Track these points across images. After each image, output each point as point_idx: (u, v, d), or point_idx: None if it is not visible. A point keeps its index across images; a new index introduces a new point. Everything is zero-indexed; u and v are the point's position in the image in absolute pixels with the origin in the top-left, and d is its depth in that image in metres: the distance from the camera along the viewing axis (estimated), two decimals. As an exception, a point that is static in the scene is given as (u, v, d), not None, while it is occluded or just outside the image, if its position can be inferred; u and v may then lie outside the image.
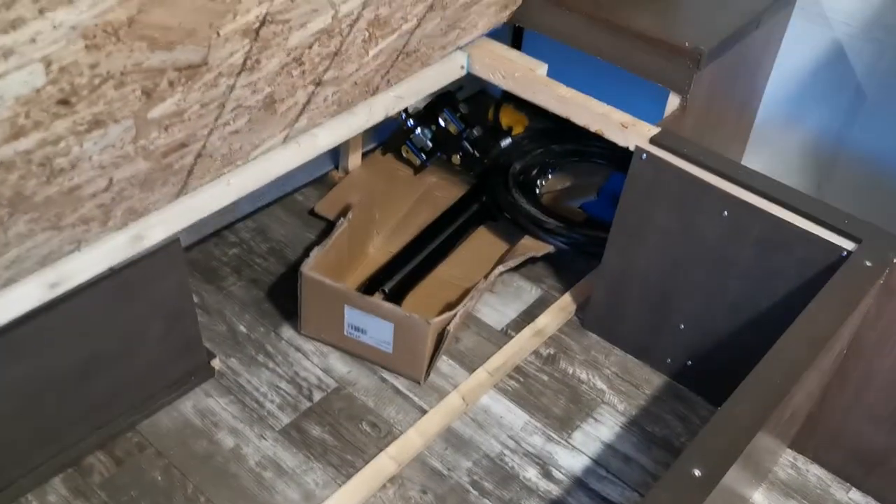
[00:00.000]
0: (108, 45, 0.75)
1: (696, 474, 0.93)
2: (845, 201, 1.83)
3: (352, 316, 1.54)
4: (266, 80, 1.06)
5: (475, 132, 1.96)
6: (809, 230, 1.30)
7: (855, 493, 1.45)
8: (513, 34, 2.05)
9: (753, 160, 1.99)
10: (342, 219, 1.68)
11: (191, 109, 0.98)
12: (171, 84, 0.88)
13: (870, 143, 1.82)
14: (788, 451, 1.51)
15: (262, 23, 0.92)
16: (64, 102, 0.78)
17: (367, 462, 1.43)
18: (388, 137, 2.02)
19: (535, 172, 1.95)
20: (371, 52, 1.27)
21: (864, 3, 1.69)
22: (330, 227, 1.85)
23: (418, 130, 1.95)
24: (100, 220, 1.10)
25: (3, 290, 1.07)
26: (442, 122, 1.95)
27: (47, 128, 0.80)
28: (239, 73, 0.99)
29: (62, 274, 1.13)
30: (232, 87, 1.00)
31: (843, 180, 1.88)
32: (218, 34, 0.86)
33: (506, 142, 2.01)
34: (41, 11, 0.66)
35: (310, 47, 1.08)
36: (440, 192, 1.96)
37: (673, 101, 1.57)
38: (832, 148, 1.87)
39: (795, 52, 1.82)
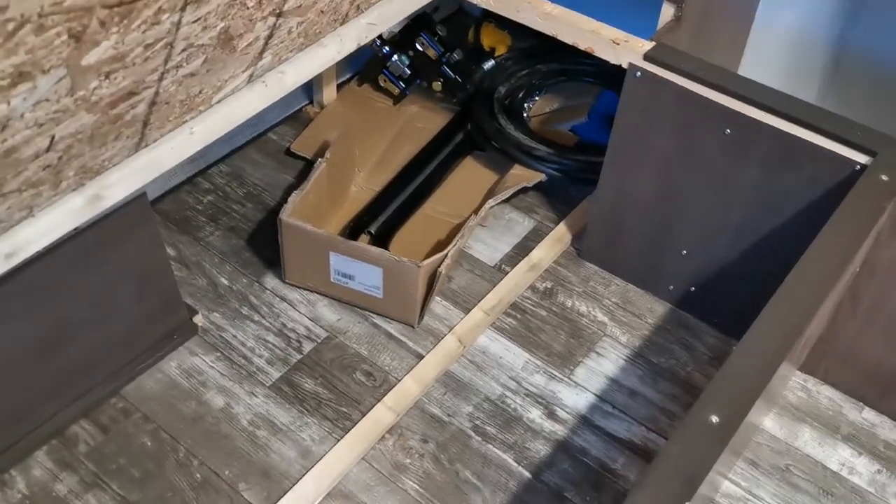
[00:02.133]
0: (17, -20, 0.64)
1: (714, 421, 0.87)
2: (851, 110, 1.75)
3: (338, 262, 1.46)
4: (217, 13, 0.95)
5: (455, 55, 1.84)
6: (820, 144, 1.21)
7: (869, 413, 1.41)
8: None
9: (751, 72, 1.88)
10: (320, 158, 1.58)
11: (133, 53, 0.87)
12: (102, 24, 0.77)
13: (875, 43, 1.71)
14: (798, 373, 1.45)
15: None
16: (-22, 56, 0.67)
17: (363, 414, 1.37)
18: (364, 67, 1.90)
19: (521, 95, 1.84)
20: (336, -24, 1.15)
21: None
22: (309, 166, 1.76)
23: (395, 57, 1.83)
24: (50, 183, 1.00)
25: (-48, 265, 0.98)
26: (419, 47, 1.82)
27: (-37, 86, 0.70)
28: (184, 7, 0.87)
29: (16, 243, 1.04)
30: (178, 24, 0.89)
31: (848, 87, 1.79)
32: (152, -40, 0.75)
33: (488, 64, 1.89)
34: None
35: (265, -27, 0.96)
36: (422, 122, 1.85)
37: (667, 11, 1.45)
38: (835, 52, 1.76)
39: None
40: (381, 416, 1.37)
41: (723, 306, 1.48)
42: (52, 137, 0.88)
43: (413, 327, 1.50)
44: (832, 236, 1.08)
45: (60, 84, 0.80)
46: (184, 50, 0.96)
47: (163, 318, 1.41)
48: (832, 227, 1.09)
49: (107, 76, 0.86)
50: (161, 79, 0.98)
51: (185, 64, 1.00)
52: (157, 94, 1.01)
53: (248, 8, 1.00)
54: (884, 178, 1.15)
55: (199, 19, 0.92)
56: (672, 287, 1.53)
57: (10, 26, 0.67)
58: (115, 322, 1.33)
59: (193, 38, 0.95)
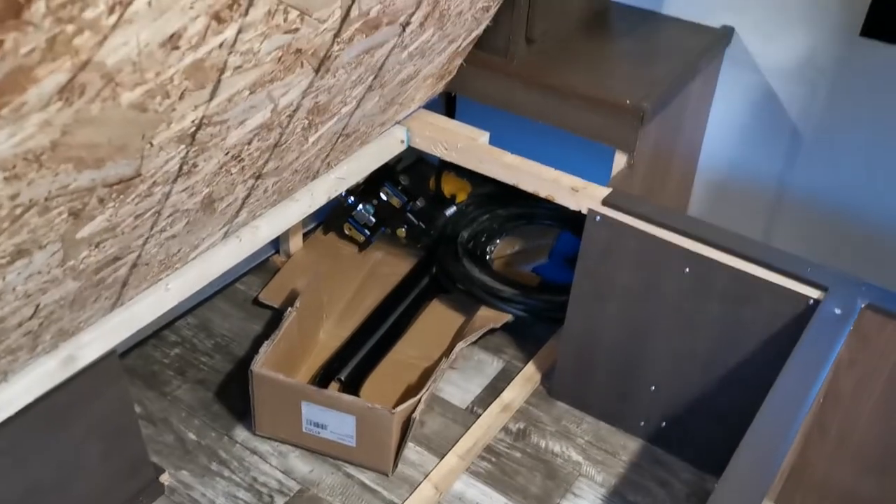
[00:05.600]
0: (30, 172, 0.67)
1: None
2: (795, 244, 1.85)
3: (310, 412, 1.45)
4: (204, 181, 0.99)
5: (418, 203, 1.91)
6: (774, 281, 1.27)
7: (846, 543, 1.41)
8: (446, 101, 2.03)
9: (700, 210, 1.99)
10: (290, 308, 1.59)
11: (124, 223, 0.89)
12: (101, 201, 0.80)
13: (812, 184, 1.83)
14: (774, 505, 1.46)
15: (199, 126, 0.85)
16: (-19, 239, 0.69)
17: (341, 572, 1.32)
18: (329, 216, 1.96)
19: (483, 239, 1.90)
20: (311, 139, 1.21)
21: (792, 46, 1.72)
22: (276, 315, 1.76)
23: (360, 207, 1.89)
24: (28, 348, 0.99)
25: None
26: (384, 197, 1.89)
27: (-37, 267, 0.71)
28: (175, 180, 0.91)
29: (-12, 410, 1.02)
30: (168, 195, 0.93)
31: (791, 223, 1.89)
32: (151, 144, 0.79)
33: (450, 210, 1.96)
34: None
35: (249, 143, 1.01)
36: (388, 267, 1.89)
37: (619, 160, 1.55)
38: (776, 191, 1.88)
39: (730, 99, 1.84)
40: (360, 573, 1.32)
41: (695, 441, 1.49)
42: (38, 305, 0.89)
43: (387, 475, 1.48)
44: (795, 371, 1.12)
45: (54, 257, 0.82)
46: (170, 216, 0.99)
47: (129, 479, 1.37)
48: (794, 361, 1.14)
49: (97, 245, 0.88)
50: (145, 243, 1.00)
51: (168, 227, 1.02)
52: (139, 256, 1.03)
53: (231, 174, 1.04)
54: (837, 311, 1.21)
55: (187, 188, 0.95)
56: (644, 423, 1.55)
57: (18, 210, 0.69)
58: (79, 485, 1.28)
59: (180, 205, 0.98)
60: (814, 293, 1.25)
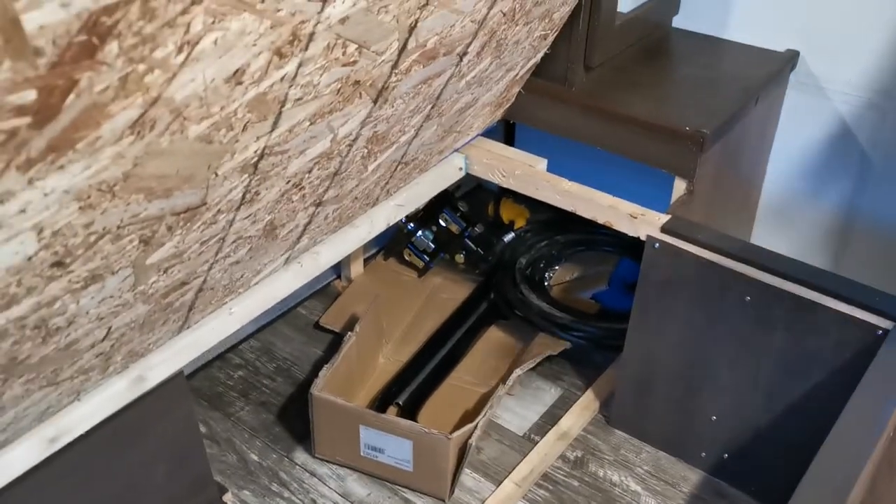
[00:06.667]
0: (104, 202, 0.71)
1: None
2: (865, 273, 1.79)
3: (368, 436, 1.47)
4: (266, 209, 1.02)
5: (477, 229, 1.92)
6: (841, 310, 1.24)
7: (921, 585, 1.35)
8: (505, 128, 2.04)
9: (764, 238, 1.95)
10: (349, 333, 1.62)
11: (190, 249, 0.93)
12: (169, 229, 0.83)
13: (882, 212, 1.78)
14: (843, 543, 1.41)
15: (261, 156, 0.88)
16: (58, 265, 0.73)
17: None
18: (389, 242, 1.99)
19: (541, 265, 1.90)
20: (370, 167, 1.24)
21: (860, 71, 1.68)
22: (337, 339, 1.79)
23: (419, 233, 1.91)
24: (100, 369, 1.04)
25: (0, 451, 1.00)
26: (443, 223, 1.91)
27: (41, 291, 0.75)
28: (238, 208, 0.94)
29: (61, 427, 1.07)
30: (231, 222, 0.96)
31: (861, 252, 1.84)
32: (216, 174, 0.83)
33: (509, 236, 1.97)
34: (31, 182, 0.62)
35: (309, 172, 1.04)
36: (446, 293, 1.91)
37: (679, 186, 1.53)
38: (845, 219, 1.83)
39: (795, 125, 1.81)
40: None
41: (758, 474, 1.46)
42: (109, 328, 0.93)
43: (444, 501, 1.48)
44: (863, 403, 1.09)
45: (125, 282, 0.86)
46: (233, 242, 1.02)
47: (193, 498, 1.40)
48: (861, 392, 1.10)
49: (165, 271, 0.92)
50: (210, 268, 1.04)
51: (232, 254, 1.06)
52: (204, 281, 1.07)
53: (292, 201, 1.07)
54: (907, 342, 1.18)
55: (249, 215, 0.99)
56: (705, 454, 1.51)
57: (92, 238, 0.73)
58: (145, 502, 1.32)
59: (243, 232, 1.02)
60: (883, 323, 1.22)
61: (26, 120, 0.57)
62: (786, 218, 1.92)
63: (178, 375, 1.28)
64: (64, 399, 1.04)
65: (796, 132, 1.81)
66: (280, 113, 0.84)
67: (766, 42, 1.77)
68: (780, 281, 1.29)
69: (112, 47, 0.59)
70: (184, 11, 0.62)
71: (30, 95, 0.55)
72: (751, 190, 1.88)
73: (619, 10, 1.61)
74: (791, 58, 1.74)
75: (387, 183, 1.39)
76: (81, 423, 1.10)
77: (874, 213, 1.79)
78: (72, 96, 0.59)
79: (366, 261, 1.98)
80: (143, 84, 0.64)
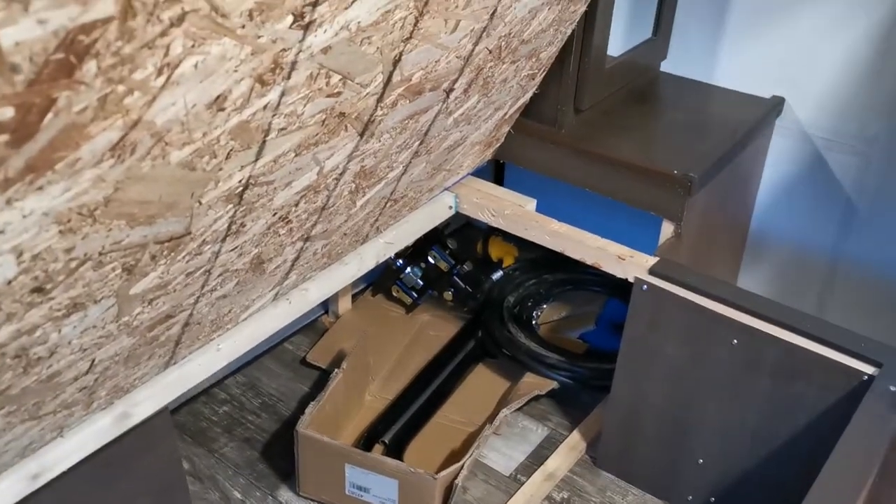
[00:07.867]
0: (84, 227, 0.71)
1: None
2: (850, 316, 1.80)
3: (353, 474, 1.45)
4: (252, 241, 1.02)
5: (465, 267, 1.93)
6: (827, 356, 1.25)
7: None
8: (494, 168, 2.06)
9: (749, 279, 1.96)
10: (336, 369, 1.61)
11: (175, 280, 0.93)
12: (153, 258, 0.83)
13: (867, 256, 1.80)
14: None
15: (246, 186, 0.88)
16: (38, 290, 0.72)
17: None
18: (378, 278, 1.99)
19: (530, 304, 1.90)
20: (359, 203, 1.24)
21: (845, 118, 1.71)
22: (324, 375, 1.78)
23: (408, 269, 1.91)
24: (83, 404, 1.03)
25: (-22, 487, 0.98)
26: (431, 260, 1.91)
27: (21, 318, 0.74)
28: (224, 239, 0.94)
29: (44, 463, 1.05)
30: (217, 254, 0.96)
31: (846, 295, 1.85)
32: (200, 202, 0.83)
33: (497, 275, 1.97)
34: (9, 202, 0.61)
35: (296, 205, 1.05)
36: (434, 330, 1.90)
37: (667, 229, 1.55)
38: (830, 263, 1.85)
39: (781, 170, 1.83)
40: None
41: (745, 518, 1.45)
42: (93, 360, 0.92)
43: (429, 542, 1.46)
44: (849, 448, 1.09)
45: (108, 312, 0.85)
46: (220, 275, 1.02)
47: (174, 536, 1.38)
48: (848, 438, 1.10)
49: (150, 302, 0.92)
50: (196, 301, 1.04)
51: (219, 287, 1.06)
52: (191, 315, 1.06)
53: (279, 235, 1.08)
54: (892, 388, 1.18)
55: (236, 248, 0.99)
56: (691, 497, 1.50)
57: (73, 264, 0.73)
58: (125, 542, 1.30)
59: (229, 265, 1.02)
60: (868, 369, 1.22)
61: (4, 137, 0.56)
62: (772, 261, 1.93)
63: (162, 412, 1.27)
64: (47, 434, 1.03)
65: (782, 177, 1.84)
66: (264, 142, 0.84)
67: (752, 88, 1.80)
68: (767, 325, 1.30)
69: (90, 66, 0.58)
70: (163, 33, 0.61)
71: (7, 113, 0.55)
72: (737, 233, 1.90)
73: (608, 53, 1.64)
74: (777, 104, 1.77)
75: (376, 220, 1.40)
76: (65, 460, 1.08)
77: (859, 258, 1.81)
78: (50, 115, 0.58)
79: (354, 296, 1.98)
80: (122, 106, 0.64)
